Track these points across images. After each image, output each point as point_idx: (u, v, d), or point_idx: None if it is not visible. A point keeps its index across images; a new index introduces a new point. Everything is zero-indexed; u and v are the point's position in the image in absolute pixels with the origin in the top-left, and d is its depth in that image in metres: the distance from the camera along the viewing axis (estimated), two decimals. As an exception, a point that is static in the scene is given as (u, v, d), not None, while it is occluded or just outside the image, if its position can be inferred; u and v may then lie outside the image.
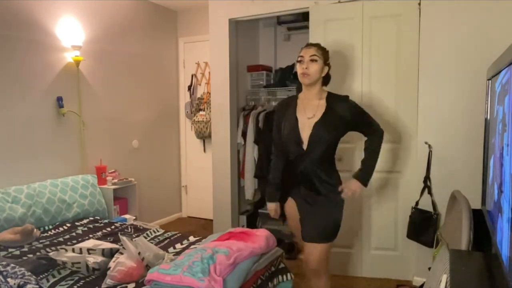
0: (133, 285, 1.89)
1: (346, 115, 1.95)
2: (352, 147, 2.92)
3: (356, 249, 2.98)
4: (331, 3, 2.93)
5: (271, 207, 2.16)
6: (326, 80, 2.06)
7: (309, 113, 1.99)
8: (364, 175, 2.05)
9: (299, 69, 1.99)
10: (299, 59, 2.00)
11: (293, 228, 2.15)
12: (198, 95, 4.51)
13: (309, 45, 2.04)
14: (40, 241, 2.57)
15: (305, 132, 1.96)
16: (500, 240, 1.27)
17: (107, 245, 2.24)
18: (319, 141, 1.93)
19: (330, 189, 2.01)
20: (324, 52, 2.02)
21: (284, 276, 2.29)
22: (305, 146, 1.96)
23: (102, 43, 3.66)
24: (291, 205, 2.10)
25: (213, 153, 3.72)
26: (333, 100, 2.00)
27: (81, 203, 3.11)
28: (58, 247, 2.28)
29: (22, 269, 1.83)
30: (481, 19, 2.49)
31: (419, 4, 2.68)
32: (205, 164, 4.38)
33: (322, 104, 1.99)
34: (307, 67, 1.95)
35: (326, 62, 2.01)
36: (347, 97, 2.03)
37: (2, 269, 1.79)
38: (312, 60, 1.96)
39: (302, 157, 1.97)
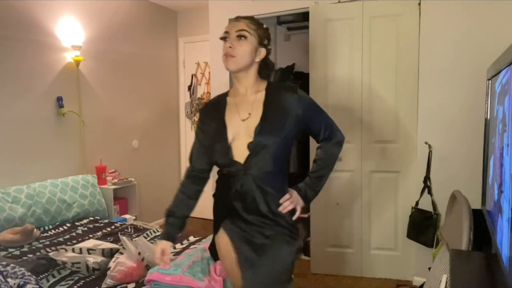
0: (133, 285, 1.89)
1: (295, 110, 1.41)
2: (352, 147, 2.91)
3: (356, 249, 2.98)
4: (331, 3, 2.93)
5: (159, 246, 1.46)
6: (265, 69, 1.50)
7: (243, 113, 1.43)
8: (308, 192, 1.50)
9: (223, 49, 1.45)
10: (223, 35, 1.48)
11: (229, 270, 1.48)
12: (198, 95, 4.51)
13: (239, 17, 1.52)
14: (40, 241, 2.57)
15: (240, 141, 1.39)
16: (500, 240, 1.27)
17: (107, 245, 2.24)
18: (263, 151, 1.37)
19: (282, 220, 1.43)
20: (259, 28, 1.47)
21: (284, 276, 2.29)
22: (242, 159, 1.38)
23: (102, 43, 3.66)
24: (224, 239, 1.45)
25: (213, 153, 3.72)
26: (275, 90, 1.46)
27: (81, 203, 3.10)
28: (58, 247, 2.29)
29: (22, 269, 1.83)
30: (481, 19, 2.49)
31: (419, 4, 2.68)
32: (205, 164, 4.37)
33: (260, 97, 1.44)
34: (232, 46, 1.41)
35: (262, 43, 1.46)
36: (296, 87, 1.46)
37: (2, 269, 1.79)
38: (240, 37, 1.42)
39: (239, 176, 1.40)
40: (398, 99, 2.81)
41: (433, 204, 2.66)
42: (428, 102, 2.69)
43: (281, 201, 1.43)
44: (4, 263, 1.87)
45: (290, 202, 1.44)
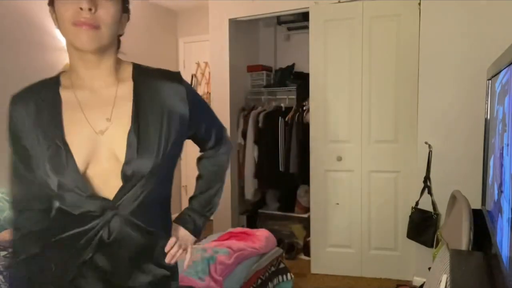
0: (133, 285, 1.89)
1: (180, 108, 0.93)
2: (352, 147, 2.92)
3: (356, 249, 2.98)
4: (331, 3, 2.93)
5: None
6: (119, 42, 0.95)
7: (97, 120, 0.87)
8: (198, 220, 1.07)
9: (64, 13, 0.81)
10: None
11: None
12: (198, 95, 4.51)
13: None
14: (40, 241, 2.56)
15: (101, 166, 0.87)
16: (500, 240, 1.27)
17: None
18: (144, 179, 0.87)
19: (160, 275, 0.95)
20: None
21: (284, 276, 2.30)
22: (110, 193, 0.87)
23: (102, 43, 3.66)
24: None
25: (213, 153, 3.72)
26: (149, 78, 0.95)
27: (81, 203, 3.10)
28: (58, 247, 2.28)
29: (22, 269, 1.83)
30: (481, 19, 2.49)
31: (419, 4, 2.68)
32: (205, 164, 4.37)
33: (125, 91, 0.91)
34: (94, 8, 0.79)
35: (126, 5, 0.91)
36: (179, 73, 0.98)
37: (2, 269, 1.79)
38: None
39: (104, 218, 0.87)
40: (398, 99, 2.81)
41: (433, 204, 2.66)
42: (428, 102, 2.69)
43: (166, 249, 0.96)
44: (4, 263, 1.87)
45: (178, 247, 0.99)
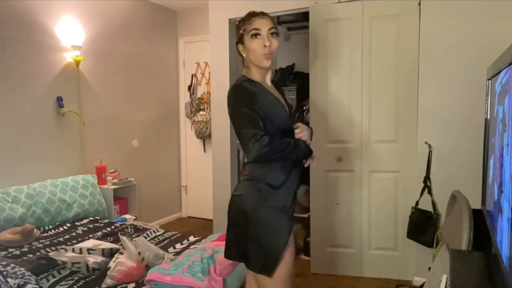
0: (133, 285, 1.89)
1: None
2: (352, 147, 2.92)
3: (356, 249, 2.98)
4: (331, 3, 2.93)
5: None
6: None
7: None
8: None
9: (258, 47, 1.53)
10: (253, 32, 1.57)
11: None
12: (198, 95, 4.51)
13: (263, 14, 1.64)
14: (40, 241, 2.57)
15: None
16: (500, 240, 1.27)
17: (107, 245, 2.24)
18: None
19: None
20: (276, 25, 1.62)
21: (284, 276, 2.29)
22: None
23: (102, 43, 3.66)
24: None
25: (213, 153, 3.72)
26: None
27: (81, 203, 3.11)
28: (58, 247, 2.29)
29: (22, 269, 1.83)
30: (481, 19, 2.49)
31: (419, 4, 2.68)
32: (205, 164, 4.38)
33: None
34: (271, 44, 1.53)
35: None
36: None
37: (2, 269, 1.79)
38: (273, 34, 1.58)
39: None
40: (398, 99, 2.81)
41: (433, 204, 2.67)
42: (428, 102, 2.69)
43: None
44: (4, 263, 1.87)
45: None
